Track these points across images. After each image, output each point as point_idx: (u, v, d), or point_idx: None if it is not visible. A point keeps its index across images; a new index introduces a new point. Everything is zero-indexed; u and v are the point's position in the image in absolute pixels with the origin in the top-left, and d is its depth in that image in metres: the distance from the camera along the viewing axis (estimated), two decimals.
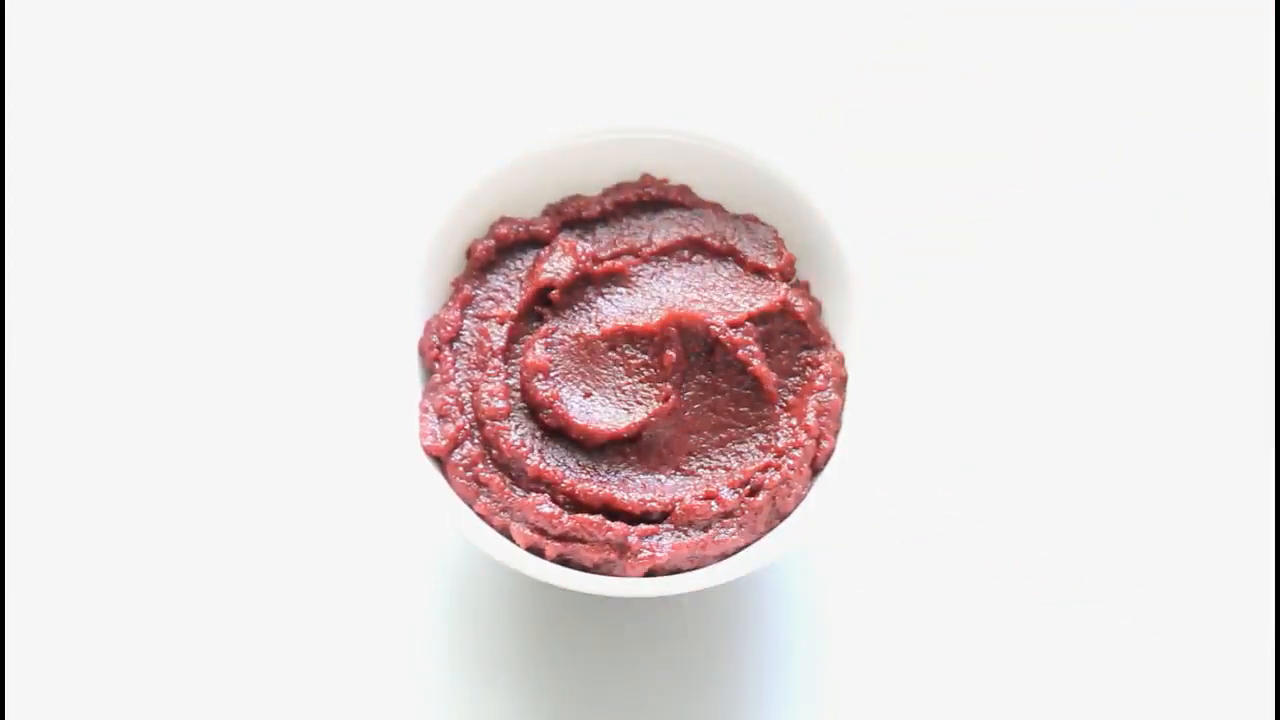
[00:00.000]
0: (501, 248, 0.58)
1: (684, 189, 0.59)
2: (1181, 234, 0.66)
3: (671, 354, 0.55)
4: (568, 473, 0.53)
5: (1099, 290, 0.65)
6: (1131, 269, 0.66)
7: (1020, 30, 0.71)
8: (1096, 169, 0.68)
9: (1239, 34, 0.70)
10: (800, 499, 0.54)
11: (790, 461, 0.53)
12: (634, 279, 0.57)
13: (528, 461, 0.53)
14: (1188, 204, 0.67)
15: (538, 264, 0.57)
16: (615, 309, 0.56)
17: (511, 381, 0.55)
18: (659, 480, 0.54)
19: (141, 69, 0.70)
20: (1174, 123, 0.69)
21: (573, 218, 0.59)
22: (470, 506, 0.53)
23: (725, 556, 0.52)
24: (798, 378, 0.56)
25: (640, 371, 0.55)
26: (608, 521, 0.52)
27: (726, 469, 0.54)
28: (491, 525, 0.52)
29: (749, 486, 0.53)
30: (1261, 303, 0.64)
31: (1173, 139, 0.68)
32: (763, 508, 0.53)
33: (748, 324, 0.55)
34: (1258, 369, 0.63)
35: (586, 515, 0.52)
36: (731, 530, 0.52)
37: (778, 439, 0.54)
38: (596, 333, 0.56)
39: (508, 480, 0.53)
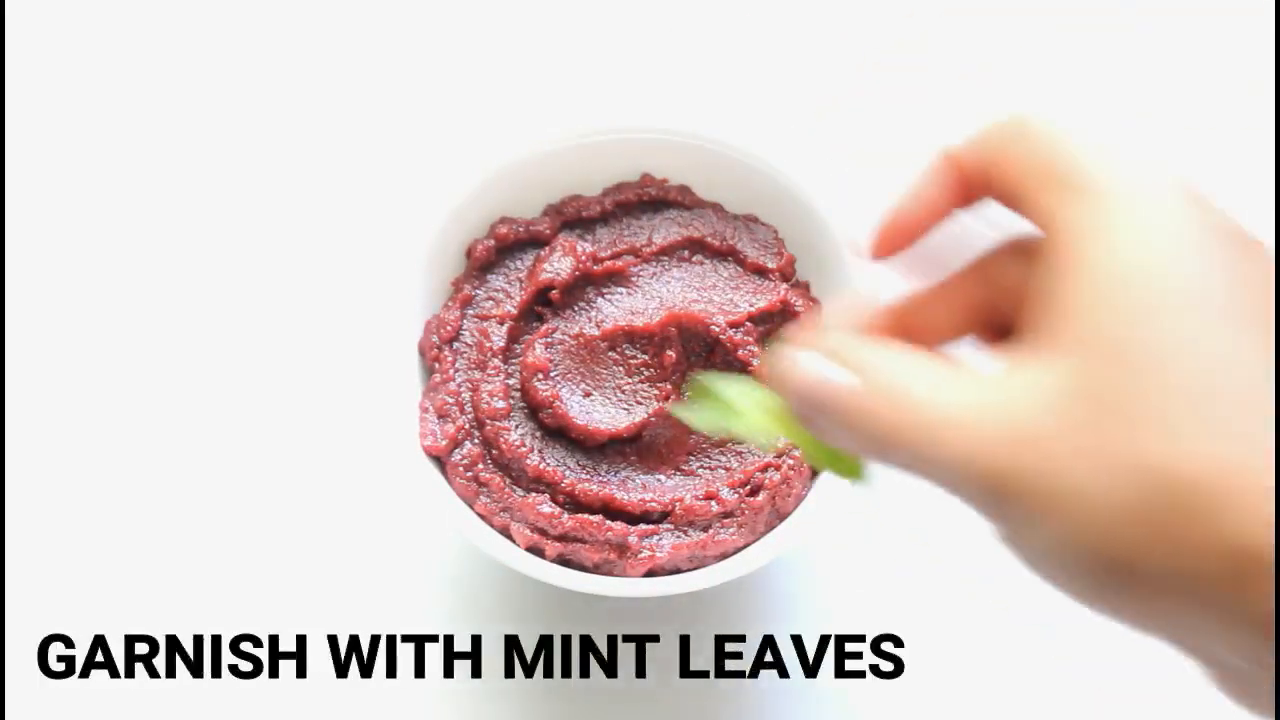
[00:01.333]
0: (501, 248, 0.58)
1: (684, 189, 0.59)
2: None
3: (671, 354, 0.55)
4: (568, 473, 0.53)
5: None
6: None
7: (1020, 30, 0.71)
8: None
9: (1239, 34, 0.70)
10: (800, 499, 0.54)
11: (790, 461, 0.53)
12: (634, 279, 0.57)
13: (528, 461, 0.53)
14: None
15: (538, 264, 0.57)
16: (615, 309, 0.56)
17: (511, 381, 0.55)
18: (659, 480, 0.54)
19: (142, 70, 0.70)
20: (1174, 123, 0.69)
21: (573, 218, 0.59)
22: (470, 506, 0.53)
23: (725, 556, 0.52)
24: None
25: (640, 371, 0.55)
26: (608, 521, 0.52)
27: (726, 469, 0.54)
28: (491, 525, 0.52)
29: (749, 486, 0.53)
30: None
31: (1173, 139, 0.68)
32: (763, 508, 0.53)
33: (748, 324, 0.55)
34: None
35: (586, 515, 0.52)
36: (731, 530, 0.52)
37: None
38: (596, 333, 0.56)
39: (508, 480, 0.53)
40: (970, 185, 0.41)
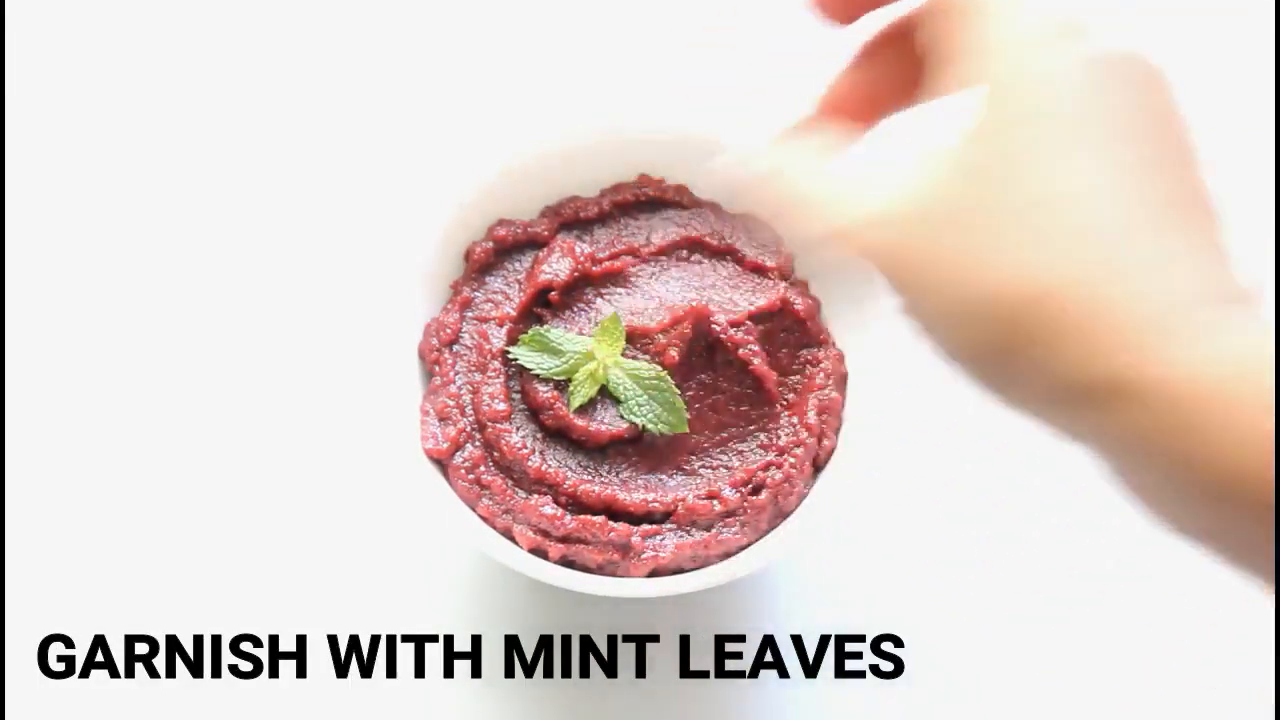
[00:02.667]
0: (500, 250, 0.58)
1: (681, 189, 0.59)
2: None
3: (674, 354, 0.54)
4: (569, 474, 0.53)
5: None
6: None
7: None
8: None
9: (1239, 34, 0.70)
10: (802, 497, 0.54)
11: (792, 460, 0.53)
12: (633, 279, 0.57)
13: (529, 463, 0.53)
14: None
15: (536, 265, 0.57)
16: (614, 310, 0.56)
17: (512, 383, 0.55)
18: (661, 480, 0.54)
19: (141, 72, 0.69)
20: None
21: (571, 219, 0.59)
22: (473, 509, 0.53)
23: (728, 556, 0.52)
24: (798, 376, 0.56)
25: None
26: (610, 522, 0.52)
27: (728, 468, 0.54)
28: (494, 528, 0.52)
29: (751, 485, 0.53)
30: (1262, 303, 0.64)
31: None
32: (765, 506, 0.53)
33: (748, 323, 0.55)
34: None
35: (589, 516, 0.52)
36: (734, 529, 0.52)
37: (779, 437, 0.54)
38: None
39: (510, 482, 0.53)
40: None
